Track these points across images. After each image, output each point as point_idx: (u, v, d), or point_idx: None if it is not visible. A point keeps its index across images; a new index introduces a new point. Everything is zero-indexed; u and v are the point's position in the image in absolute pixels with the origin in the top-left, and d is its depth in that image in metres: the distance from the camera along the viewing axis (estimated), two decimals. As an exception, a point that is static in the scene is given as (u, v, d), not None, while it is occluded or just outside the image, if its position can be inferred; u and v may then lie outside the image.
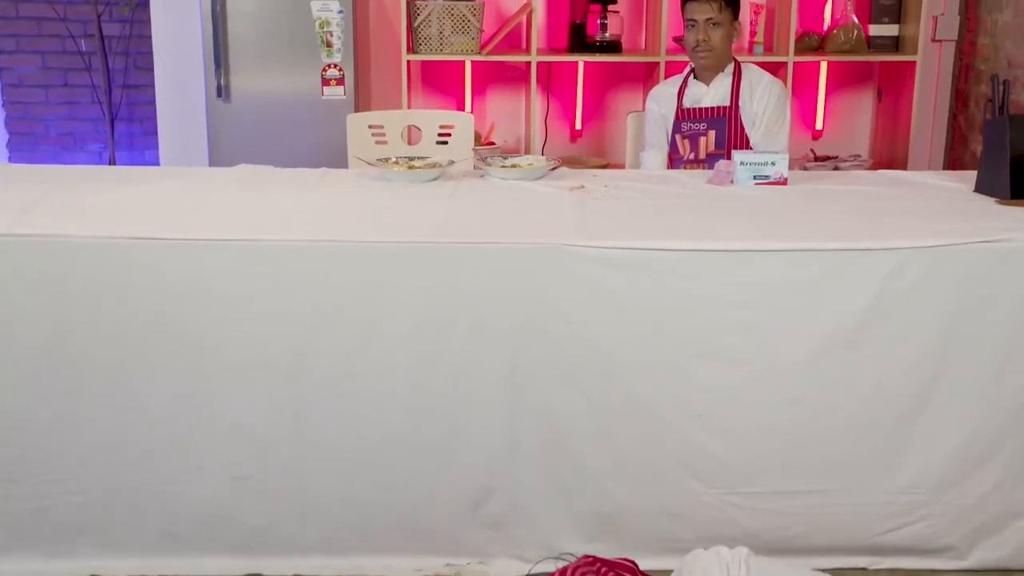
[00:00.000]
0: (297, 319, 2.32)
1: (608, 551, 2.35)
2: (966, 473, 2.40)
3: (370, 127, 3.69)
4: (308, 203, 2.70)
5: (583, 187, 2.87)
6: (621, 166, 4.33)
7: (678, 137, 3.58)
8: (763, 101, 3.54)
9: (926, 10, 4.44)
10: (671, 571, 2.10)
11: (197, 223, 2.45)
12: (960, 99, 4.87)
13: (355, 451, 2.38)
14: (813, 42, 4.65)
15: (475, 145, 3.83)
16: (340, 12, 4.31)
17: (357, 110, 4.38)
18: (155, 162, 5.30)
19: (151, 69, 4.91)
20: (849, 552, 2.45)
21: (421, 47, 4.49)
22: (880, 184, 2.99)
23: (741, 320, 2.31)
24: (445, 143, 3.66)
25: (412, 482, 2.39)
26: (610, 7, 4.57)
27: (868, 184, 2.99)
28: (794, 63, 4.50)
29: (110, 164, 5.51)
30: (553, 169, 3.09)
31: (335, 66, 4.36)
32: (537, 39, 4.55)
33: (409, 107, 4.55)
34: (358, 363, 2.33)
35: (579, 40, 4.61)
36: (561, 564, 2.22)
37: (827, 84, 4.90)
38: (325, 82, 4.38)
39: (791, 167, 2.96)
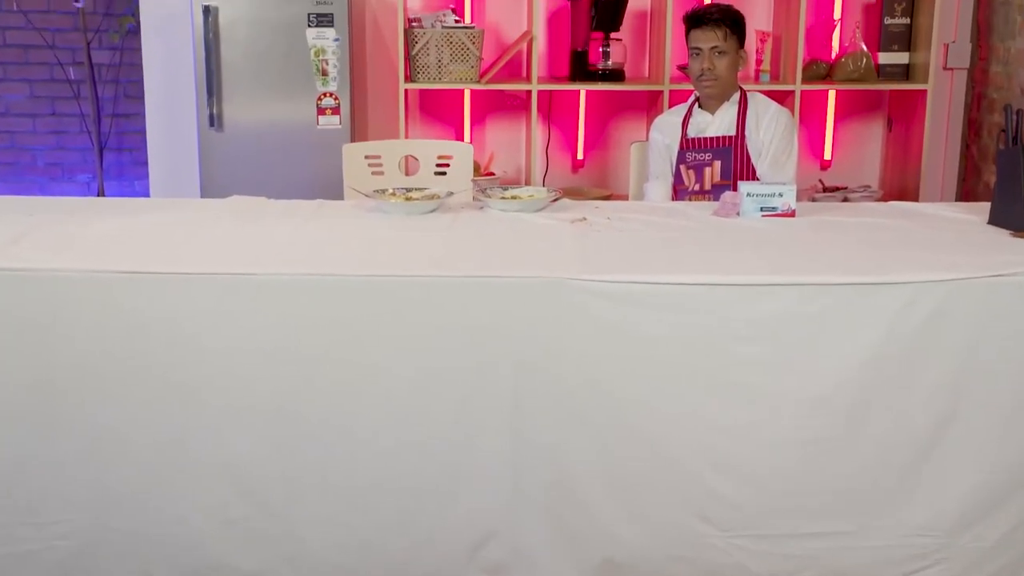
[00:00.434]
0: (290, 356, 2.32)
1: (612, 596, 2.34)
2: (984, 514, 2.39)
3: (366, 157, 3.71)
4: (302, 236, 2.71)
5: (585, 219, 2.87)
6: (624, 197, 4.34)
7: (683, 168, 3.59)
8: (770, 131, 3.56)
9: (937, 38, 4.48)
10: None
11: (188, 256, 2.46)
12: (973, 128, 4.89)
13: (349, 493, 2.37)
14: (821, 70, 4.68)
15: (474, 176, 3.84)
16: (336, 40, 4.34)
17: (353, 140, 4.40)
18: (145, 193, 5.31)
19: (141, 97, 4.94)
20: (862, 597, 2.43)
21: (419, 75, 4.52)
22: (891, 216, 2.99)
23: (748, 356, 2.31)
24: (443, 174, 3.68)
25: (409, 526, 2.38)
26: (613, 35, 4.60)
27: (878, 216, 2.99)
28: (802, 92, 4.53)
29: (99, 195, 5.53)
30: (554, 200, 3.09)
31: (331, 95, 4.39)
32: (538, 67, 4.58)
33: (406, 137, 4.57)
34: (353, 402, 2.33)
35: (581, 68, 4.64)
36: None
37: (836, 113, 4.93)
38: (320, 111, 4.40)
39: (799, 198, 2.97)
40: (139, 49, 4.89)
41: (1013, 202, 2.73)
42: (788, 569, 2.40)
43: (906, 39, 4.64)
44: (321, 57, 4.35)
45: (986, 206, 2.91)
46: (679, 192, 3.61)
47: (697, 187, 3.57)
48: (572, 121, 4.96)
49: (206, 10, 4.29)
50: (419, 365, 2.32)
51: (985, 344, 2.32)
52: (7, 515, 2.38)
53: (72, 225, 2.74)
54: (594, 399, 2.32)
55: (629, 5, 4.63)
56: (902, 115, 4.79)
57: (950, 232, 2.78)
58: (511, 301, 2.31)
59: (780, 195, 2.91)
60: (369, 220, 2.90)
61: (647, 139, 3.82)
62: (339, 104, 4.39)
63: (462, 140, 4.84)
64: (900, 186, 4.75)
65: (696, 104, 3.64)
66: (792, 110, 4.39)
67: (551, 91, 4.80)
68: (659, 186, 3.65)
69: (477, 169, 4.53)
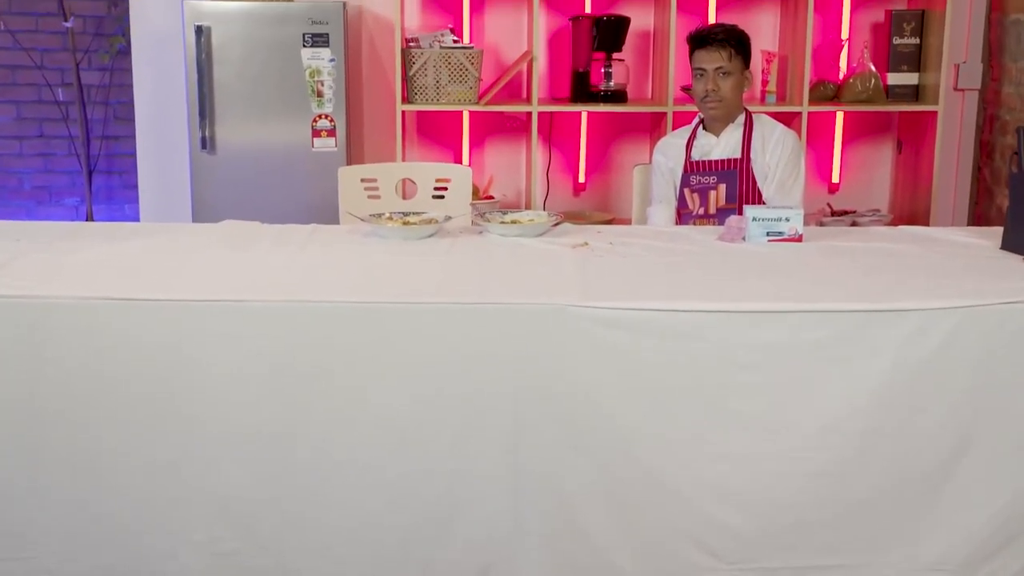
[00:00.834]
0: (284, 385, 2.32)
1: (615, 633, 2.34)
2: (997, 549, 2.39)
3: (363, 181, 3.73)
4: (297, 261, 2.72)
5: (587, 244, 2.89)
6: (627, 221, 4.37)
7: (687, 191, 3.61)
8: (776, 153, 3.57)
9: (947, 58, 4.50)
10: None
11: (179, 283, 2.47)
12: (985, 151, 4.91)
13: (345, 524, 2.37)
14: (829, 91, 4.71)
15: (473, 200, 3.86)
16: (332, 60, 4.37)
17: (349, 163, 4.42)
18: (135, 217, 5.33)
19: (132, 119, 4.96)
20: (871, 634, 2.43)
21: (417, 97, 4.54)
22: (900, 241, 3.01)
23: (754, 384, 2.32)
24: (442, 197, 3.70)
25: (406, 558, 2.38)
26: (615, 55, 4.63)
27: (888, 241, 3.01)
28: (809, 113, 4.55)
29: (87, 219, 5.55)
30: (555, 225, 3.11)
31: (326, 117, 4.41)
32: (538, 88, 4.61)
33: (404, 160, 4.59)
34: (348, 431, 2.34)
35: (582, 89, 4.66)
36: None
37: (844, 135, 4.95)
38: (316, 133, 4.42)
39: (806, 223, 2.98)
40: (130, 70, 4.92)
41: (1026, 226, 2.75)
42: (795, 604, 2.40)
43: (916, 59, 4.67)
44: (316, 78, 4.38)
45: (998, 231, 2.93)
46: (683, 216, 3.62)
47: (701, 211, 3.58)
48: (573, 143, 4.98)
49: (198, 30, 4.31)
50: (416, 394, 2.33)
51: (997, 373, 2.33)
52: (-8, 548, 2.38)
53: (60, 251, 2.76)
54: (595, 428, 2.33)
55: (632, 25, 4.67)
56: (912, 137, 4.82)
57: (961, 258, 2.79)
58: (511, 328, 2.32)
59: (787, 219, 2.92)
60: (365, 245, 2.92)
61: (650, 162, 3.84)
62: (335, 126, 4.42)
63: (461, 163, 4.86)
64: (910, 210, 4.77)
65: (700, 126, 3.67)
66: (799, 132, 4.41)
67: (552, 113, 4.82)
68: (662, 210, 3.66)
69: (476, 193, 4.55)
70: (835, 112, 4.86)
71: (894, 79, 4.68)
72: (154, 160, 4.90)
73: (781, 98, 4.72)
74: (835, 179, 4.98)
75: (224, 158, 4.43)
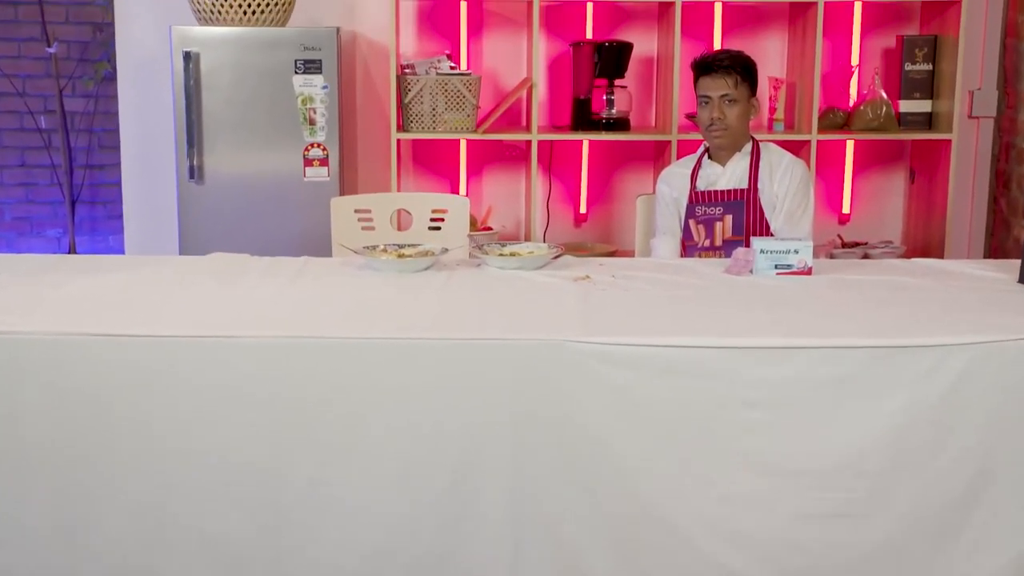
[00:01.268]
0: (275, 423, 2.32)
1: None
2: (1021, 592, 2.39)
3: (356, 211, 3.74)
4: (288, 295, 2.73)
5: (588, 277, 2.90)
6: (630, 253, 4.37)
7: (692, 222, 3.62)
8: (784, 183, 3.58)
9: (961, 85, 4.52)
10: None
11: (166, 318, 2.48)
12: (1001, 180, 4.93)
13: (339, 566, 2.36)
14: (838, 119, 4.73)
15: (471, 231, 3.87)
16: (324, 88, 4.39)
17: (342, 193, 4.43)
18: (119, 249, 5.33)
19: (117, 148, 4.97)
20: None
21: (412, 125, 4.56)
22: (914, 274, 3.02)
23: (762, 423, 2.32)
24: (438, 229, 3.71)
25: (400, 604, 2.38)
26: (617, 82, 4.66)
27: (901, 274, 3.02)
28: (818, 142, 4.56)
29: (70, 251, 5.55)
30: (556, 257, 3.12)
31: (319, 145, 4.43)
32: (538, 116, 4.62)
33: (399, 190, 4.60)
34: (342, 469, 2.33)
35: (583, 117, 4.68)
36: None
37: (854, 164, 4.96)
38: (308, 163, 4.43)
39: (816, 255, 2.99)
40: (115, 97, 4.94)
41: (1044, 259, 2.76)
42: (807, 653, 2.39)
43: (928, 86, 4.68)
44: (308, 105, 4.40)
45: (1016, 263, 2.94)
46: (688, 248, 3.63)
47: (707, 243, 3.59)
48: (574, 173, 4.99)
49: (187, 56, 4.33)
50: (412, 431, 2.33)
51: (1015, 411, 2.33)
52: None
53: (42, 284, 2.77)
54: (597, 467, 2.33)
55: (634, 50, 4.69)
56: (925, 166, 4.83)
57: (977, 291, 2.80)
58: (510, 364, 2.32)
59: (795, 252, 2.93)
60: (359, 278, 2.93)
61: (654, 192, 3.86)
62: (327, 155, 4.43)
63: (458, 193, 4.87)
64: (924, 241, 4.77)
65: (706, 155, 3.68)
66: (808, 161, 4.42)
67: (552, 141, 4.83)
68: (667, 242, 3.67)
69: (474, 224, 4.55)
70: (845, 140, 4.87)
71: (906, 106, 4.70)
72: (140, 190, 4.91)
73: (789, 126, 4.74)
74: (846, 210, 4.99)
75: (213, 188, 4.44)
